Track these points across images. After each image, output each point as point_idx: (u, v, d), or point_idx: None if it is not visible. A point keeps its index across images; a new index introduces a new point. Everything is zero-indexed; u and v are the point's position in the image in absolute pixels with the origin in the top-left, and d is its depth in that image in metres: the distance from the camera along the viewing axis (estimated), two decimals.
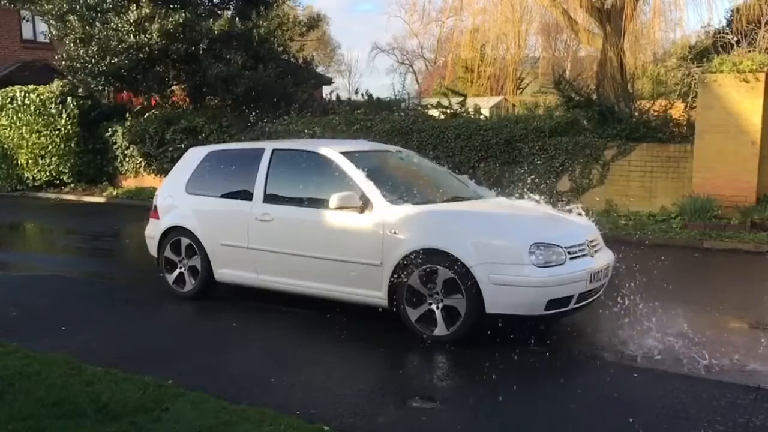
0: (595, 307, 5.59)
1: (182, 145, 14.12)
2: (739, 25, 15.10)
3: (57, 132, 16.83)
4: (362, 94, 15.69)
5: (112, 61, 14.55)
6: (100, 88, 15.96)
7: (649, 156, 11.39)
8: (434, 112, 13.97)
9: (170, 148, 15.38)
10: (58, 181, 17.54)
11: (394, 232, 5.32)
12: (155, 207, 7.02)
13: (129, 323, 5.91)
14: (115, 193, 16.44)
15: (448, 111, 13.66)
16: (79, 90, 16.11)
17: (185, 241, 6.61)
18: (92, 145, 17.14)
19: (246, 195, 6.27)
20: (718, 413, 3.93)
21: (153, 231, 6.94)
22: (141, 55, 14.58)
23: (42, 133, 16.97)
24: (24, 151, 17.36)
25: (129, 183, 16.95)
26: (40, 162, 17.32)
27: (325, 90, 20.96)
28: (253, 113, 15.11)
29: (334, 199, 5.52)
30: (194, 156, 7.01)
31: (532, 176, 11.93)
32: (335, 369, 4.70)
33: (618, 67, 13.72)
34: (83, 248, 10.47)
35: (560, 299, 4.98)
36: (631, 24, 13.98)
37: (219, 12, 15.73)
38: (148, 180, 16.33)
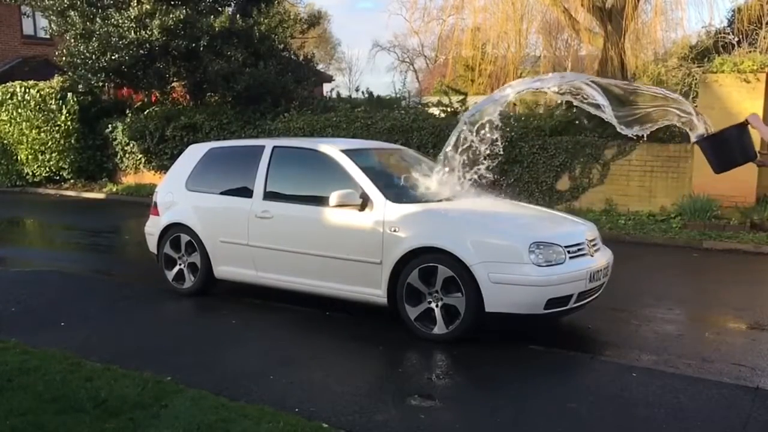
0: (595, 306, 5.59)
1: (182, 142, 14.14)
2: (740, 26, 15.11)
3: (57, 128, 16.80)
4: (363, 92, 15.71)
5: (113, 57, 14.53)
6: (101, 84, 15.93)
7: (650, 156, 11.40)
8: (435, 111, 13.97)
9: (170, 145, 15.38)
10: (57, 177, 17.54)
11: (394, 230, 5.32)
12: (155, 203, 7.02)
13: (128, 320, 5.91)
14: (114, 189, 16.42)
15: (449, 109, 13.66)
16: (80, 86, 16.06)
17: (185, 238, 6.61)
18: (92, 142, 17.12)
19: (246, 192, 6.26)
20: (717, 413, 3.94)
21: (153, 227, 6.94)
22: (141, 52, 14.56)
23: (42, 129, 16.95)
24: (24, 146, 17.34)
25: (129, 179, 16.95)
26: (40, 158, 17.30)
27: (326, 87, 21.01)
28: (254, 110, 15.12)
29: (334, 197, 5.52)
30: (194, 153, 7.01)
31: (532, 175, 11.94)
32: (334, 366, 4.70)
33: (619, 67, 13.72)
34: (83, 244, 10.47)
35: (560, 298, 4.97)
36: (632, 23, 13.98)
37: (220, 9, 15.69)
38: (147, 176, 16.31)
